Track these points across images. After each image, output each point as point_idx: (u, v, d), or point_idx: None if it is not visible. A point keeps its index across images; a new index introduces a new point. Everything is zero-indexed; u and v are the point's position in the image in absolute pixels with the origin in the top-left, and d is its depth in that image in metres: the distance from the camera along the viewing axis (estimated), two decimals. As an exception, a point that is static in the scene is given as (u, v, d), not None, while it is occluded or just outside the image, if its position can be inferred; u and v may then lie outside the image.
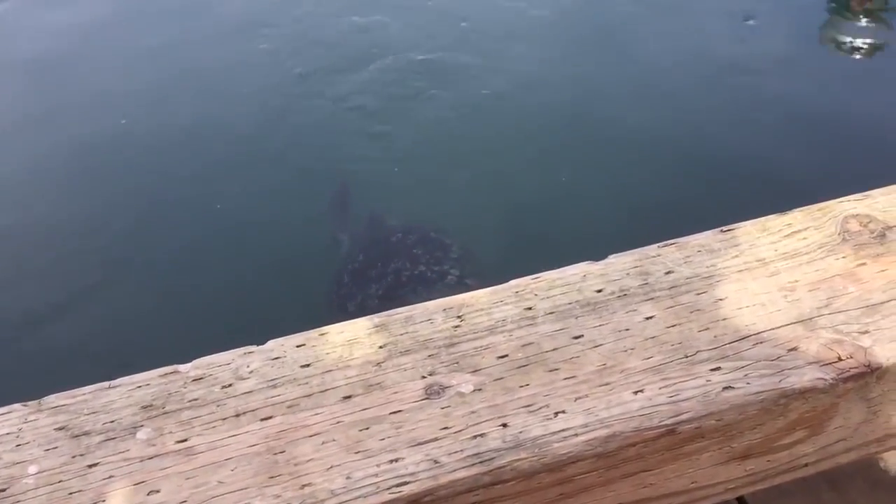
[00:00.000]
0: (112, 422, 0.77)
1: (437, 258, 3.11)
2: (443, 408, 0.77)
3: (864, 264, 0.88)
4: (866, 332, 0.81)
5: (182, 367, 0.82)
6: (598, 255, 0.93)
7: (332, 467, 0.72)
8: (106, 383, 0.81)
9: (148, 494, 0.71)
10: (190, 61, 4.54)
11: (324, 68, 4.38)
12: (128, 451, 0.75)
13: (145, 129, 4.07)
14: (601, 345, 0.82)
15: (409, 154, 3.84)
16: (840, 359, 0.79)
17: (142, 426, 0.77)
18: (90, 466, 0.74)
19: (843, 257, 0.89)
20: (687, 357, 0.80)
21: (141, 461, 0.74)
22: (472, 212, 3.48)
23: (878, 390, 0.80)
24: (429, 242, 3.22)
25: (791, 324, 0.82)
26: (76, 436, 0.76)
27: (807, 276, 0.87)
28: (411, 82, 4.25)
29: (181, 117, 4.15)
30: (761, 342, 0.81)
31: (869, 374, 0.78)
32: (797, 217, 0.94)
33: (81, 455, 0.75)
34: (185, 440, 0.75)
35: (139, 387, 0.80)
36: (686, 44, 4.39)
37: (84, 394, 0.80)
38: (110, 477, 0.73)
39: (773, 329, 0.82)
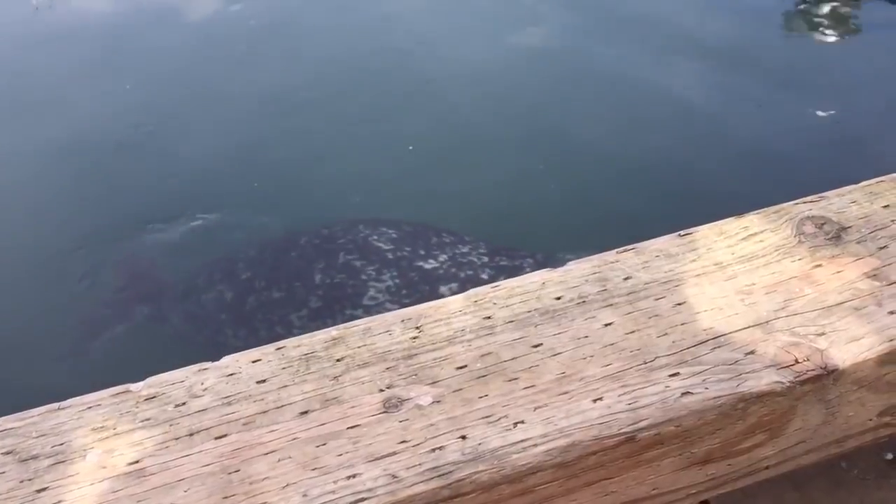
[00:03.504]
0: (62, 444, 0.75)
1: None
2: (401, 421, 0.76)
3: (819, 266, 0.88)
4: (823, 333, 0.82)
5: (134, 387, 0.80)
6: (560, 260, 0.93)
7: (287, 485, 0.71)
8: (56, 405, 0.79)
9: None
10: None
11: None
12: (77, 474, 0.73)
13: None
14: (560, 353, 0.81)
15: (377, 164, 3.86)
16: (797, 361, 0.79)
17: (92, 448, 0.75)
18: (39, 491, 0.72)
19: (800, 259, 0.89)
20: (646, 363, 0.80)
21: (91, 484, 0.72)
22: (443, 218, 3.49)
23: (835, 392, 0.81)
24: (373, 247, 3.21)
25: (748, 327, 0.82)
26: (24, 460, 0.74)
27: (763, 278, 0.87)
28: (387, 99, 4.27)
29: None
30: (719, 346, 0.81)
31: (826, 377, 0.79)
32: (753, 220, 0.95)
33: (30, 480, 0.73)
34: (137, 461, 0.73)
35: (90, 407, 0.78)
36: (646, 60, 4.44)
37: (33, 416, 0.78)
38: (59, 502, 0.71)
39: (730, 333, 0.82)
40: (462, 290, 0.89)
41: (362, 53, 4.55)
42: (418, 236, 3.23)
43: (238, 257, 3.36)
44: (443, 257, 3.08)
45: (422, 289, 2.99)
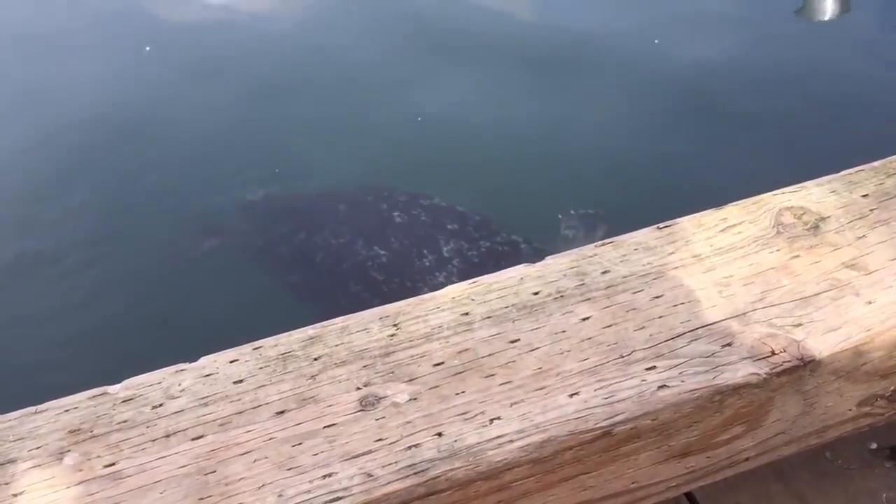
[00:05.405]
0: (38, 448, 0.75)
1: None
2: (377, 419, 0.76)
3: (797, 256, 0.88)
4: (799, 324, 0.81)
5: (111, 389, 0.80)
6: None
7: (263, 486, 0.71)
8: (32, 408, 0.79)
9: None
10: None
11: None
12: (54, 477, 0.73)
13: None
14: (537, 348, 0.81)
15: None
16: (774, 353, 0.79)
17: (69, 451, 0.75)
18: (16, 496, 0.72)
19: (778, 250, 0.89)
20: (622, 357, 0.79)
21: (67, 488, 0.72)
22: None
23: (812, 383, 0.81)
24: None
25: (725, 319, 0.82)
26: (1, 464, 0.74)
27: (741, 270, 0.87)
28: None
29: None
30: (696, 339, 0.81)
31: (802, 368, 0.79)
32: (732, 211, 0.94)
33: (7, 484, 0.73)
34: (114, 464, 0.73)
35: (67, 410, 0.78)
36: (631, 45, 4.43)
37: (9, 420, 0.78)
38: None
39: (707, 325, 0.82)
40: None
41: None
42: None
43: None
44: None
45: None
